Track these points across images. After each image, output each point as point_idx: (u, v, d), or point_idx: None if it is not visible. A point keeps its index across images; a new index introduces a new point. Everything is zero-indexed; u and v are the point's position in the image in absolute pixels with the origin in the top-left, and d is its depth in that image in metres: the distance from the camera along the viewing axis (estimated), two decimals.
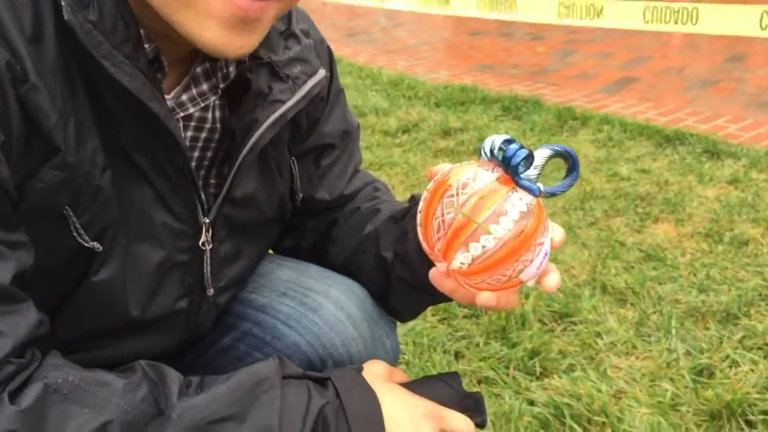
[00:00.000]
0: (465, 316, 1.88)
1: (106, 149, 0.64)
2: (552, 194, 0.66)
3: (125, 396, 0.60)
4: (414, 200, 0.84)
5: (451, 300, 0.76)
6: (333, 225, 0.93)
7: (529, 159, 0.64)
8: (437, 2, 5.32)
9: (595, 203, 2.53)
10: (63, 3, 0.57)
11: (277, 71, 0.75)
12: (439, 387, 0.76)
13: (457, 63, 4.69)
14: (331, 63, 0.89)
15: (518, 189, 0.64)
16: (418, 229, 0.67)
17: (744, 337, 1.78)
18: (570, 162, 0.66)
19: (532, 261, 0.62)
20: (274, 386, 0.64)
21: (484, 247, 0.62)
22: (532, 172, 0.64)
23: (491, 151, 0.64)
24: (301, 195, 0.88)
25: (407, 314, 0.94)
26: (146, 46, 0.64)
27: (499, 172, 0.64)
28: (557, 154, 0.66)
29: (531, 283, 0.65)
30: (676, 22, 3.83)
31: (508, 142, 0.64)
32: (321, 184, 0.91)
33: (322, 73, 0.79)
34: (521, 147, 0.63)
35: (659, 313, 1.89)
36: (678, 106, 3.63)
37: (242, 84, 0.74)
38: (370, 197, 0.94)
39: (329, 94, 0.88)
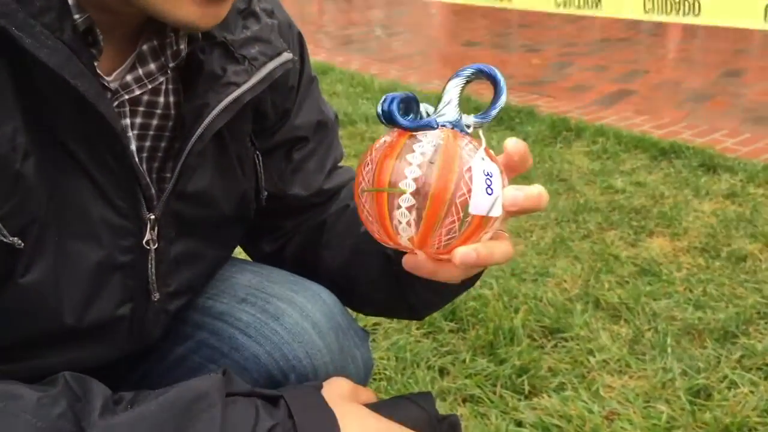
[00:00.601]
0: (451, 331, 1.79)
1: (30, 132, 0.57)
2: (479, 124, 0.58)
3: (38, 411, 0.52)
4: None
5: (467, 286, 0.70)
6: (322, 228, 0.85)
7: (409, 101, 0.57)
8: None
9: (588, 216, 2.45)
10: None
11: (232, 51, 0.68)
12: (410, 409, 0.68)
13: (450, 72, 4.60)
14: (302, 49, 0.81)
15: (415, 134, 0.56)
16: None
17: (743, 356, 1.70)
18: (492, 82, 0.58)
19: (471, 190, 0.54)
20: (214, 404, 0.56)
21: (408, 208, 0.54)
22: (449, 111, 0.57)
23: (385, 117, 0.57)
24: (266, 193, 0.80)
25: (427, 309, 0.85)
26: (76, 16, 0.56)
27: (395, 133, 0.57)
28: (475, 78, 0.58)
29: (496, 212, 0.55)
30: (677, 13, 3.78)
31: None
32: (294, 180, 0.83)
33: (286, 56, 0.71)
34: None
35: (654, 330, 1.81)
36: (674, 119, 3.57)
37: (196, 66, 0.67)
38: None
39: (300, 83, 0.81)
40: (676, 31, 6.40)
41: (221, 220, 0.76)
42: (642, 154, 3.04)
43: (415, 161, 0.54)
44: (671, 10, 3.87)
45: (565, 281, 2.04)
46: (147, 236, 0.67)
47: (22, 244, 0.58)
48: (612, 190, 2.68)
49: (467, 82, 0.59)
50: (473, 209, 0.54)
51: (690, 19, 3.80)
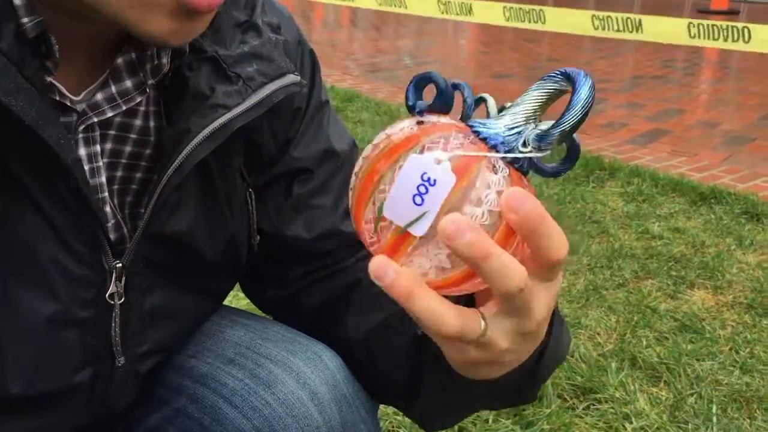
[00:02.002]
0: None
1: None
2: (538, 145, 0.44)
3: None
4: None
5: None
6: (353, 287, 0.70)
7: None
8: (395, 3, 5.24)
9: (623, 262, 2.30)
10: None
11: (224, 69, 0.56)
12: None
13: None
14: (313, 70, 0.69)
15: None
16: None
17: None
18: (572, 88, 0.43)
19: (389, 191, 0.41)
20: None
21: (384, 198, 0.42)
22: (506, 119, 0.45)
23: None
24: (259, 237, 0.68)
25: (437, 420, 0.69)
26: (25, 20, 0.46)
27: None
28: (563, 83, 0.44)
29: (417, 230, 0.40)
30: (725, 39, 3.63)
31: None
32: (295, 219, 0.69)
33: (291, 78, 0.59)
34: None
35: (698, 395, 1.64)
36: (713, 162, 3.41)
37: (180, 85, 0.55)
38: None
39: (307, 108, 0.68)
40: (711, 70, 6.25)
41: (206, 266, 0.64)
42: (680, 198, 2.88)
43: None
44: (718, 36, 3.71)
45: (598, 334, 1.89)
46: (111, 288, 0.56)
47: None
48: (648, 236, 2.52)
49: (552, 92, 0.44)
50: (386, 211, 0.41)
51: (740, 46, 3.63)
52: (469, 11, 4.94)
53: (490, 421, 1.52)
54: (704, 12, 9.51)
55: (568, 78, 0.44)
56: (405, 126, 0.43)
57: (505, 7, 4.93)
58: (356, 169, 0.43)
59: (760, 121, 4.22)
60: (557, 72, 0.45)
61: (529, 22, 4.95)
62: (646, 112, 4.41)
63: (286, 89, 0.59)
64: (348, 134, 0.73)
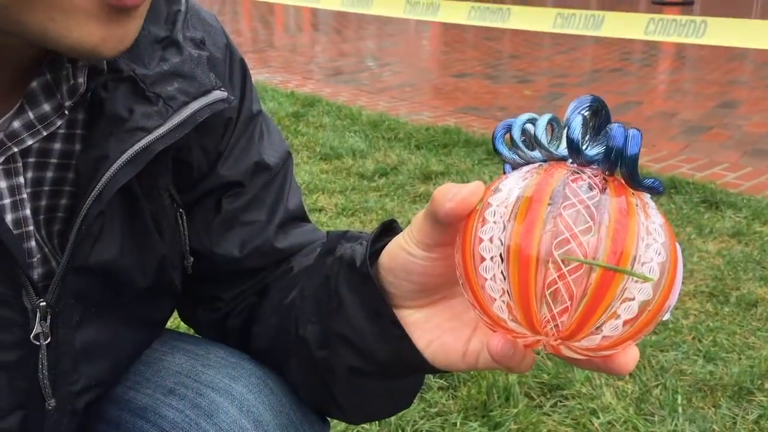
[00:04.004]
0: (441, 388, 1.63)
1: None
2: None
3: None
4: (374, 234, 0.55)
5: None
6: (264, 294, 0.68)
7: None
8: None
9: None
10: None
11: (142, 89, 0.53)
12: None
13: (440, 104, 4.52)
14: (244, 81, 0.66)
15: (636, 192, 0.41)
16: (486, 302, 0.41)
17: (760, 416, 1.55)
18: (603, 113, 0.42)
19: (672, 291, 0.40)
20: None
21: (641, 301, 0.39)
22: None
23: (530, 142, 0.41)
24: (192, 258, 0.65)
25: (361, 414, 0.69)
26: None
27: (576, 175, 0.40)
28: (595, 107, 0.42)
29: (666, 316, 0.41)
30: (679, 35, 3.69)
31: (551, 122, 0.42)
32: (226, 236, 0.65)
33: (217, 95, 0.57)
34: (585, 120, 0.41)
35: (662, 386, 1.65)
36: (671, 152, 3.45)
37: (98, 107, 0.53)
38: (310, 252, 0.68)
39: (237, 120, 0.65)
40: (667, 61, 6.35)
41: (138, 295, 0.61)
42: None
43: (658, 239, 0.39)
44: (672, 33, 3.78)
45: None
46: (36, 329, 0.53)
47: None
48: None
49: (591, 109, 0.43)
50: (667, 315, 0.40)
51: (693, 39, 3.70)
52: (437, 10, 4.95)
53: (459, 424, 1.51)
54: (659, 3, 9.66)
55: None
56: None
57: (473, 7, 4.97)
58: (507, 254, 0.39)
59: (717, 109, 4.29)
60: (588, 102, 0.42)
61: (492, 21, 5.00)
62: None
63: (211, 107, 0.56)
64: (282, 144, 0.70)
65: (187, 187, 0.64)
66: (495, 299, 0.41)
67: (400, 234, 0.50)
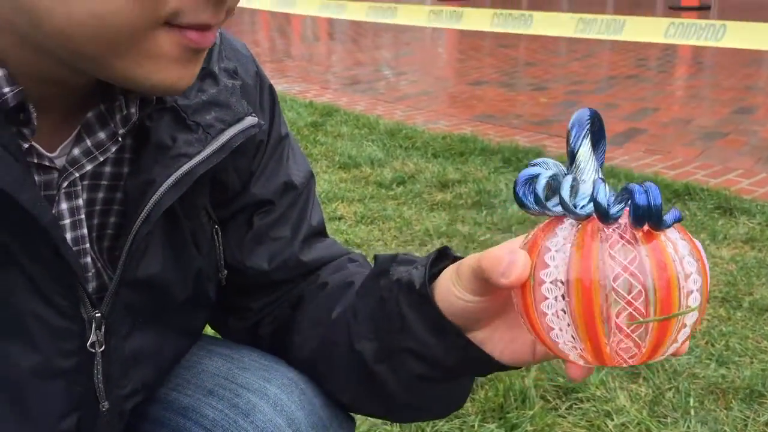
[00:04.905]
0: None
1: None
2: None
3: None
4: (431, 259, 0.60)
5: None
6: (298, 306, 0.73)
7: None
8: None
9: None
10: None
11: (184, 118, 0.59)
12: None
13: (457, 113, 4.58)
14: (272, 105, 0.72)
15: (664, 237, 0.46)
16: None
17: None
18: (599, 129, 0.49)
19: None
20: None
21: (692, 323, 0.47)
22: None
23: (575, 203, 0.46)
24: (226, 271, 0.71)
25: (414, 416, 0.76)
26: (6, 89, 0.49)
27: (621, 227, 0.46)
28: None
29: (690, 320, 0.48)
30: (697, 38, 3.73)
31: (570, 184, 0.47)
32: (257, 250, 0.71)
33: (249, 121, 0.63)
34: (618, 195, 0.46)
35: (675, 389, 1.69)
36: (687, 158, 3.48)
37: (143, 135, 0.59)
38: (341, 268, 0.75)
39: (267, 142, 0.72)
40: (684, 67, 6.35)
41: (178, 305, 0.67)
42: None
43: (694, 271, 0.45)
44: (692, 36, 3.83)
45: None
46: (92, 338, 0.59)
47: None
48: None
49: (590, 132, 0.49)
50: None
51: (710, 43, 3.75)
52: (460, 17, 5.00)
53: (476, 426, 1.56)
54: (675, 8, 9.64)
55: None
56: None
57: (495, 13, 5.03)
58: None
59: (733, 115, 4.30)
60: (586, 117, 0.48)
61: (516, 28, 5.06)
62: (621, 112, 4.49)
63: (244, 133, 0.62)
64: (306, 164, 0.77)
65: (222, 204, 0.69)
66: (569, 354, 0.48)
67: (451, 281, 0.55)
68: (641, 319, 0.45)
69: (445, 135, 3.82)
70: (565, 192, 0.47)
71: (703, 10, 9.45)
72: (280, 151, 0.73)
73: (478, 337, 0.57)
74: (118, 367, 0.62)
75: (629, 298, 0.44)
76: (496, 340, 0.57)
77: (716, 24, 3.70)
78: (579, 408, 1.63)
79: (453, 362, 0.58)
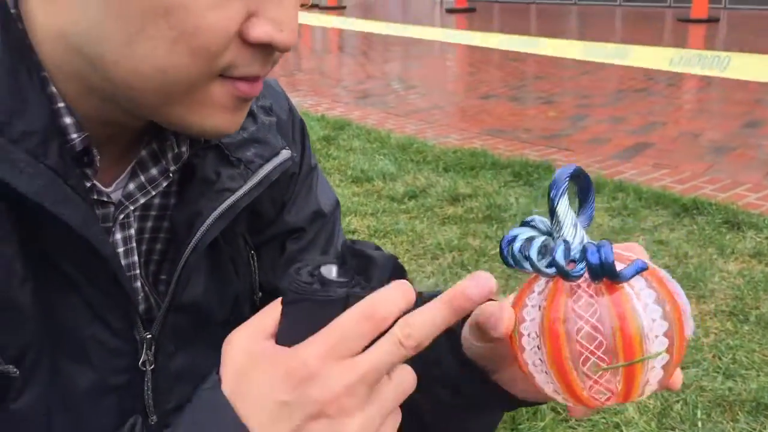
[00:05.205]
0: None
1: (27, 259, 0.54)
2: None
3: None
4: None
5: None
6: None
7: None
8: None
9: None
10: None
11: (227, 155, 0.65)
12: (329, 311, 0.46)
13: (467, 127, 4.64)
14: (303, 138, 0.78)
15: (627, 286, 0.50)
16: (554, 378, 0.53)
17: None
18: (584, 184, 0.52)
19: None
20: None
21: (662, 364, 0.51)
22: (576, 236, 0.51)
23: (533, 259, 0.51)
24: (260, 294, 0.77)
25: None
26: (74, 135, 0.54)
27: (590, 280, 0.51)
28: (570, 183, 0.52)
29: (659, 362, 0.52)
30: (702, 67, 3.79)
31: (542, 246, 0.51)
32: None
33: (284, 155, 0.68)
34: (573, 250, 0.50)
35: (683, 402, 1.73)
36: (695, 173, 3.52)
37: (189, 171, 0.64)
38: None
39: (300, 173, 0.77)
40: (693, 80, 6.39)
41: (217, 326, 0.72)
42: (663, 211, 2.99)
43: (655, 314, 0.49)
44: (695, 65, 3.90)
45: None
46: (143, 357, 0.64)
47: (17, 372, 0.55)
48: None
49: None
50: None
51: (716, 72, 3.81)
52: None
53: None
54: (684, 21, 9.69)
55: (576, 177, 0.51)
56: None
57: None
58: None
59: (742, 129, 4.34)
60: (565, 175, 0.51)
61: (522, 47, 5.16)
62: (629, 126, 4.53)
63: (281, 166, 0.68)
64: (332, 193, 0.83)
65: (257, 231, 0.75)
66: (557, 398, 0.53)
67: (468, 326, 0.59)
68: (604, 366, 0.49)
69: (455, 149, 3.87)
70: (533, 253, 0.51)
71: (711, 23, 9.50)
72: (310, 182, 0.79)
73: (503, 377, 0.61)
74: (164, 384, 0.67)
75: (591, 348, 0.49)
76: (519, 380, 0.61)
77: (721, 55, 3.77)
78: (589, 420, 1.68)
79: (472, 391, 0.62)
